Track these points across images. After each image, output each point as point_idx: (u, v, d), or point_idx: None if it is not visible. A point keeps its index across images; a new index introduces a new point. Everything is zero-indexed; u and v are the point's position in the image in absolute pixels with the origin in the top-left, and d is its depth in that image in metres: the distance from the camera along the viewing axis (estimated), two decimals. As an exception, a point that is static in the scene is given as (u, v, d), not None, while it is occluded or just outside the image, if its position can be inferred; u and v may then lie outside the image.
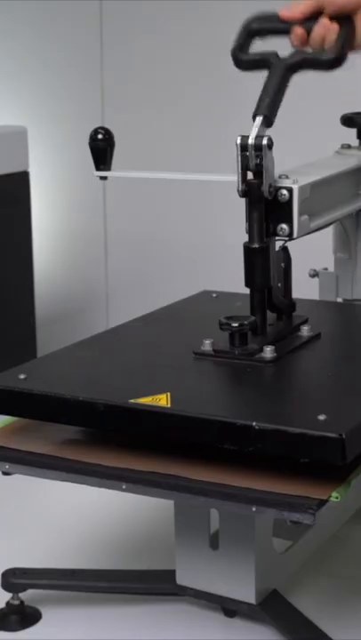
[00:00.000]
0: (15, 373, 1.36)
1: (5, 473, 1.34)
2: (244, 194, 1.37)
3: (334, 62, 1.43)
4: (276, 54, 1.45)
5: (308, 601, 1.50)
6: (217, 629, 1.46)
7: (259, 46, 1.50)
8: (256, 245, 1.39)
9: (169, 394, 1.26)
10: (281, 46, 1.47)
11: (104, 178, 1.51)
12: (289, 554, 1.52)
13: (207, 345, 1.41)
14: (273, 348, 1.38)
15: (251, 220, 1.38)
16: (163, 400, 1.25)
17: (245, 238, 1.40)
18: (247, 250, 1.39)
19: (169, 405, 1.24)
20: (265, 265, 1.39)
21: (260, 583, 1.43)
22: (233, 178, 1.38)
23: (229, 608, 1.47)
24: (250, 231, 1.39)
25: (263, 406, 1.27)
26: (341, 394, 1.30)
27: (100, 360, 1.45)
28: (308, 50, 1.44)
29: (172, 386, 1.29)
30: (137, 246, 2.70)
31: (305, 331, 1.48)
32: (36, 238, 2.48)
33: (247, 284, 1.41)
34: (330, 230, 1.74)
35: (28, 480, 1.35)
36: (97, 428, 1.29)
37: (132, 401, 1.25)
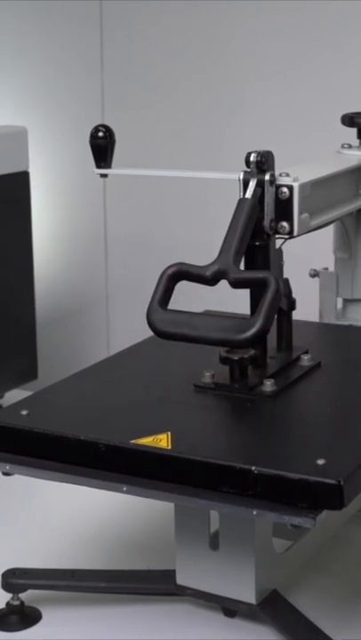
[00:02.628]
0: (17, 409, 1.37)
1: (5, 473, 1.34)
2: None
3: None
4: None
5: (308, 601, 1.50)
6: (217, 629, 1.46)
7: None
8: (256, 243, 1.39)
9: (169, 433, 1.27)
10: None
11: (104, 175, 1.51)
12: (289, 554, 1.52)
13: (207, 377, 1.42)
14: (273, 381, 1.39)
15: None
16: (163, 441, 1.26)
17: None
18: (247, 247, 1.39)
19: (169, 447, 1.25)
20: (265, 262, 1.39)
21: (260, 583, 1.43)
22: (234, 175, 1.38)
23: (229, 608, 1.47)
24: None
25: (262, 448, 1.28)
26: (340, 432, 1.31)
27: (102, 393, 1.46)
28: None
29: (172, 423, 1.30)
30: (137, 246, 2.69)
31: (305, 360, 1.48)
32: (36, 238, 2.48)
33: None
34: (330, 230, 1.74)
35: (28, 480, 1.35)
36: (97, 468, 1.29)
37: (133, 442, 1.26)
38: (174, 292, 1.42)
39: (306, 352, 1.51)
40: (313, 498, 1.16)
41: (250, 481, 1.18)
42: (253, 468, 1.18)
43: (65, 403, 1.42)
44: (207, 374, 1.42)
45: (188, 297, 2.52)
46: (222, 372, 1.41)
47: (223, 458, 1.22)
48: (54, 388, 1.47)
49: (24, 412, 1.35)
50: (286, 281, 1.48)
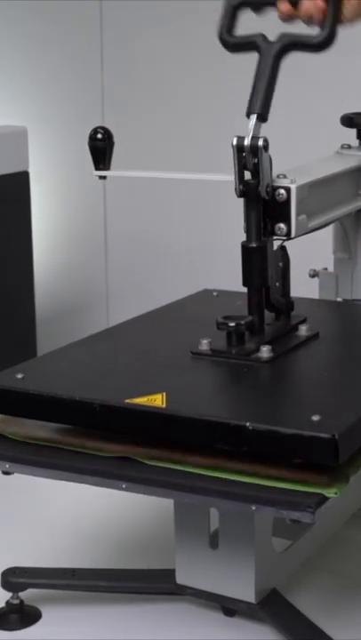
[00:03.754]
0: (13, 373, 1.37)
1: (5, 472, 1.34)
2: (241, 194, 1.38)
3: (324, 43, 1.41)
4: (263, 36, 1.44)
5: (308, 600, 1.50)
6: (217, 628, 1.46)
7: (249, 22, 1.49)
8: (254, 245, 1.39)
9: (165, 394, 1.26)
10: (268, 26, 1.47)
11: (103, 177, 1.51)
12: (288, 553, 1.52)
13: (204, 344, 1.41)
14: (270, 347, 1.39)
15: (248, 219, 1.39)
16: (158, 400, 1.25)
17: (245, 238, 1.40)
18: (245, 249, 1.39)
19: (164, 405, 1.24)
20: (262, 264, 1.39)
21: (260, 582, 1.43)
22: (231, 177, 1.38)
23: (229, 607, 1.47)
24: (247, 230, 1.39)
25: (258, 406, 1.28)
26: (337, 394, 1.30)
27: (98, 359, 1.45)
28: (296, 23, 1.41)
29: (168, 386, 1.29)
30: (137, 246, 2.70)
31: (303, 330, 1.48)
32: (36, 238, 2.48)
33: (245, 284, 1.41)
34: (330, 230, 1.74)
35: (28, 480, 1.35)
36: (93, 428, 1.29)
37: (127, 401, 1.25)
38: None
39: (304, 321, 1.50)
40: (308, 453, 1.16)
41: (245, 437, 1.18)
42: (248, 424, 1.18)
43: (61, 368, 1.42)
44: (204, 342, 1.41)
45: (187, 276, 2.52)
46: (220, 339, 1.41)
47: (218, 415, 1.22)
48: (50, 356, 1.48)
49: (19, 376, 1.36)
50: (284, 248, 1.47)
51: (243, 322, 1.39)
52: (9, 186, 2.30)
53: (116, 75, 2.65)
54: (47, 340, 2.60)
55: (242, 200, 1.39)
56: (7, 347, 2.34)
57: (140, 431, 1.25)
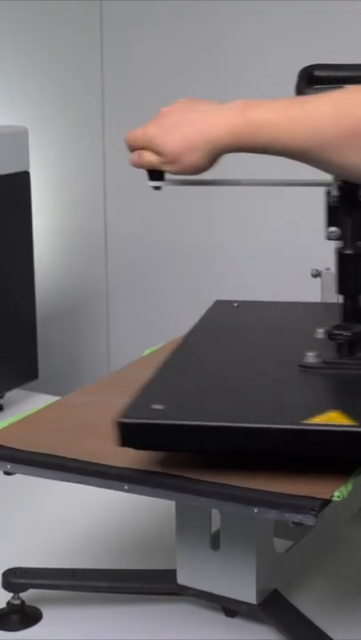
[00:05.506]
0: (144, 404, 1.24)
1: (7, 473, 1.34)
2: (339, 200, 1.34)
3: None
4: None
5: (309, 601, 1.50)
6: (217, 629, 1.46)
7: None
8: (350, 251, 1.36)
9: (338, 411, 1.18)
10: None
11: (158, 188, 1.46)
12: (290, 554, 1.52)
13: (312, 357, 1.35)
14: None
15: (344, 224, 1.35)
16: (338, 418, 1.17)
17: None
18: (340, 256, 1.36)
19: (350, 422, 1.16)
20: (358, 271, 1.36)
21: (261, 583, 1.43)
22: (325, 182, 1.33)
23: (230, 608, 1.47)
24: (343, 237, 1.35)
25: None
26: None
27: (213, 380, 1.36)
28: None
29: (322, 403, 1.23)
30: (137, 246, 2.70)
31: None
32: (36, 238, 2.48)
33: (340, 291, 1.38)
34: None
35: (29, 480, 1.35)
36: (269, 456, 1.21)
37: (305, 422, 1.17)
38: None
39: None
40: None
41: None
42: None
43: (187, 389, 1.32)
44: (310, 354, 1.35)
45: (187, 276, 2.52)
46: (324, 350, 1.35)
47: None
48: (161, 380, 1.34)
49: (159, 407, 1.23)
50: None
51: (358, 331, 1.34)
52: (9, 186, 2.30)
53: (116, 75, 2.65)
54: (47, 340, 2.60)
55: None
56: (7, 347, 2.33)
57: (333, 453, 1.18)
